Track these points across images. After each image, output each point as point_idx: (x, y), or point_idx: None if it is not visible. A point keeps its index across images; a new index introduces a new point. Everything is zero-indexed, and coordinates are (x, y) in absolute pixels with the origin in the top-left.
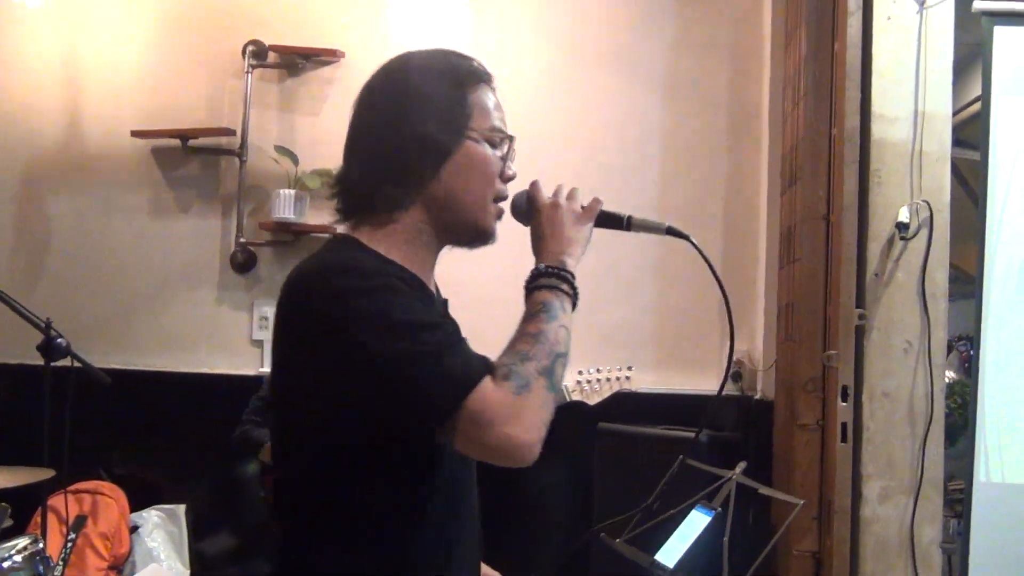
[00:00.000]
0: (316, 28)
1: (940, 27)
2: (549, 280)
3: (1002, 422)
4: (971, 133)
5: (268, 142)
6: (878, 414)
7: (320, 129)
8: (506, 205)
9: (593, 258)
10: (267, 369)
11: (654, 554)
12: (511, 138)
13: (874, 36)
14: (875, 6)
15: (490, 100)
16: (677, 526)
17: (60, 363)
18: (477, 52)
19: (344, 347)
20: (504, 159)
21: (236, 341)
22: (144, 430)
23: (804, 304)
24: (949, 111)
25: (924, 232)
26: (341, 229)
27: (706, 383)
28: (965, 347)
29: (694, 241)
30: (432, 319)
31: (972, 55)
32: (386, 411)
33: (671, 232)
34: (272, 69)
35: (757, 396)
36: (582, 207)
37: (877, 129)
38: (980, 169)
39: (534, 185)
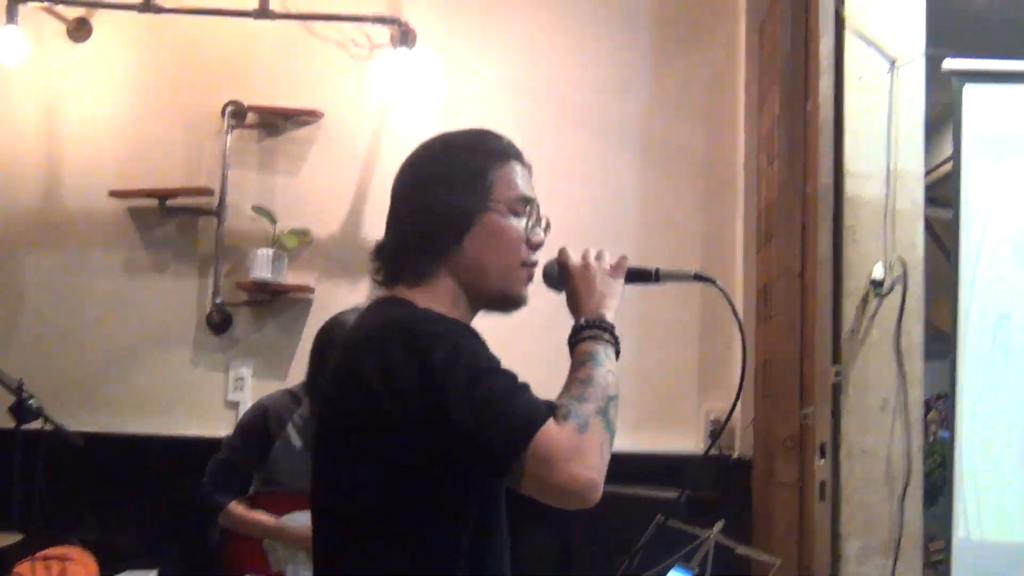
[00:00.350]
0: (296, 88)
1: (911, 86)
2: (591, 332)
3: (980, 479)
4: (944, 192)
5: (246, 202)
6: (856, 472)
7: (299, 189)
8: (538, 272)
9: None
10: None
11: None
12: (537, 206)
13: (845, 96)
14: (846, 66)
15: (516, 174)
16: None
17: (32, 425)
18: (452, 111)
19: (421, 392)
20: (529, 227)
21: (210, 403)
22: (117, 494)
23: (781, 361)
24: (921, 169)
25: (899, 289)
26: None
27: (684, 442)
28: (944, 406)
29: (720, 285)
30: (496, 363)
31: (945, 114)
32: (455, 454)
33: (698, 278)
34: (251, 129)
35: (736, 455)
36: (611, 265)
37: (850, 186)
38: (952, 227)
39: (563, 251)
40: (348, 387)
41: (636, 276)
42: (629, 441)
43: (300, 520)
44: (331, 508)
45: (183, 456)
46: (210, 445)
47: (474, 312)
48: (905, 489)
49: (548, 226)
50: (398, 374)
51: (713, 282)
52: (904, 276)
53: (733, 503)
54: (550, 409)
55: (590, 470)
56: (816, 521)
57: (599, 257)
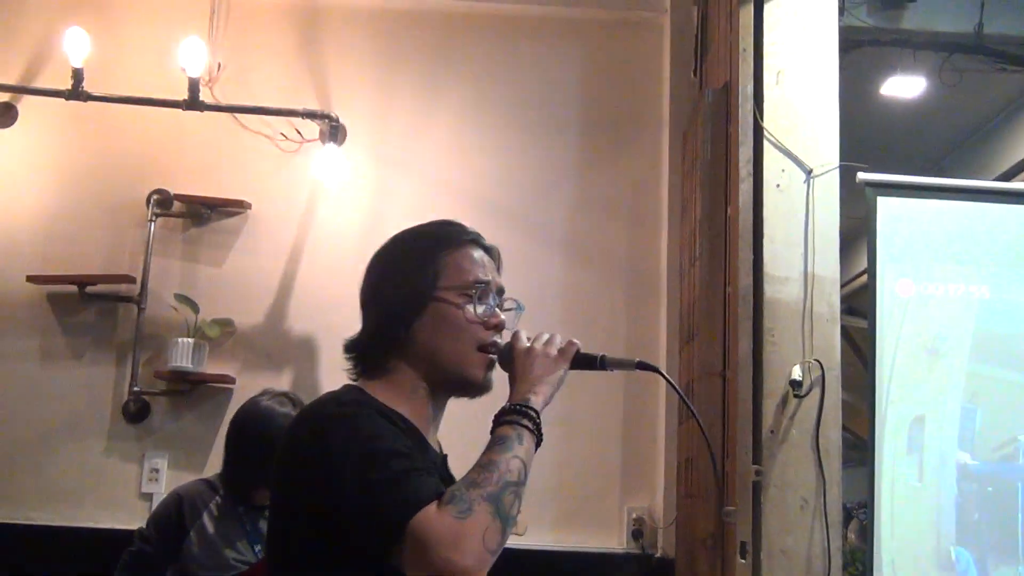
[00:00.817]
0: (223, 179)
1: (826, 195)
2: (511, 416)
3: None
4: (860, 301)
5: (168, 290)
6: (777, 572)
7: (223, 279)
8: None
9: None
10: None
11: None
12: (497, 289)
13: (764, 202)
14: (765, 174)
15: (468, 259)
16: None
17: None
18: (380, 207)
19: (322, 471)
20: (483, 308)
21: (124, 494)
22: None
23: (702, 460)
24: (837, 274)
25: (817, 391)
26: None
27: (607, 541)
28: (865, 516)
29: (663, 373)
30: (399, 448)
31: (859, 228)
32: (348, 534)
33: (641, 366)
34: (177, 218)
35: (658, 554)
36: (559, 351)
37: (769, 289)
38: (869, 333)
39: (515, 334)
40: (280, 465)
41: (581, 362)
42: (551, 538)
43: None
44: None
45: (93, 549)
46: (122, 537)
47: (436, 400)
48: None
49: (520, 307)
50: (303, 456)
51: (656, 370)
52: (822, 378)
53: None
54: (437, 495)
55: (464, 557)
56: None
57: (549, 342)
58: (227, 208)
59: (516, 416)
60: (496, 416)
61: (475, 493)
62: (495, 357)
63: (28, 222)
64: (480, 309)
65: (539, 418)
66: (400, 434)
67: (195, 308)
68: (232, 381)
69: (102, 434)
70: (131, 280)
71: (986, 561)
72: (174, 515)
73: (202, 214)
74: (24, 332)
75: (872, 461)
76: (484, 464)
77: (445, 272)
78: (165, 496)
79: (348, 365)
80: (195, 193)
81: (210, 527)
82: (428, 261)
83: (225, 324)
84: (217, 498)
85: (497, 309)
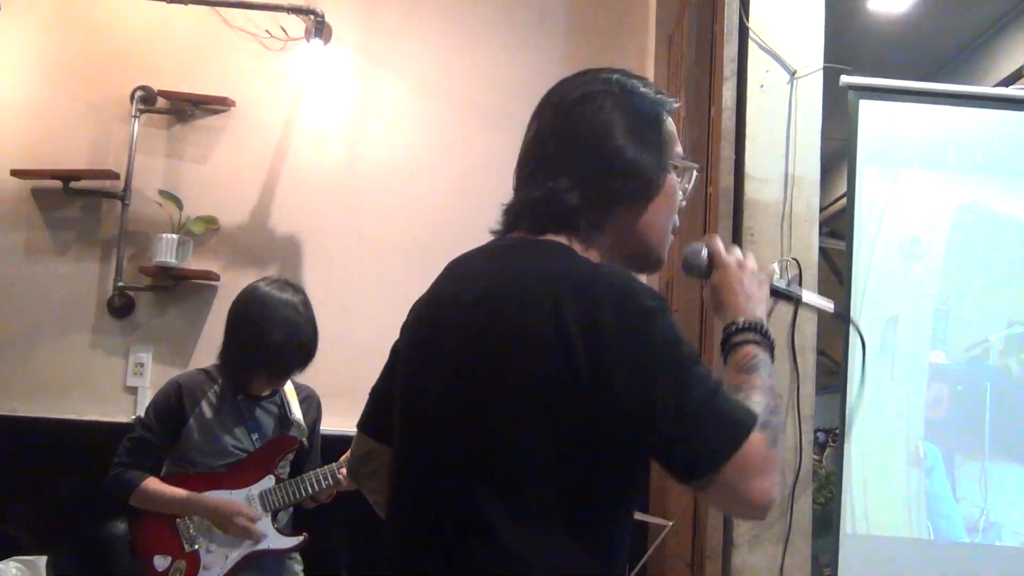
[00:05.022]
0: (207, 76)
1: (809, 96)
2: (754, 335)
3: (868, 477)
4: (840, 225)
5: (152, 187)
6: None
7: (207, 176)
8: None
9: None
10: (139, 414)
11: None
12: (696, 168)
13: (747, 102)
14: (748, 75)
15: (673, 127)
16: None
17: None
18: (364, 107)
19: (631, 367)
20: (685, 189)
21: (109, 387)
22: (6, 477)
23: None
24: (817, 175)
25: (794, 289)
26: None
27: None
28: (838, 443)
29: (856, 323)
30: (695, 349)
31: (840, 151)
32: (648, 442)
33: (837, 316)
34: (160, 115)
35: None
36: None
37: (750, 189)
38: (847, 231)
39: (714, 240)
40: (536, 336)
41: (778, 295)
42: None
43: (216, 497)
44: (479, 471)
45: (78, 440)
46: (107, 430)
47: None
48: (795, 481)
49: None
50: (606, 338)
51: (849, 321)
52: (800, 276)
53: None
54: (753, 417)
55: (775, 486)
56: (710, 508)
57: (748, 258)
58: (211, 105)
59: (759, 336)
60: (735, 330)
61: (776, 421)
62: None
63: (12, 116)
64: (686, 189)
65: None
66: None
67: (179, 204)
68: (216, 278)
69: (87, 328)
70: (115, 176)
71: (953, 457)
72: (174, 403)
73: (186, 111)
74: (8, 227)
75: (846, 356)
76: (763, 389)
77: (669, 142)
78: (164, 384)
79: (502, 220)
80: (179, 90)
81: (209, 415)
82: (661, 125)
83: (209, 221)
84: (215, 387)
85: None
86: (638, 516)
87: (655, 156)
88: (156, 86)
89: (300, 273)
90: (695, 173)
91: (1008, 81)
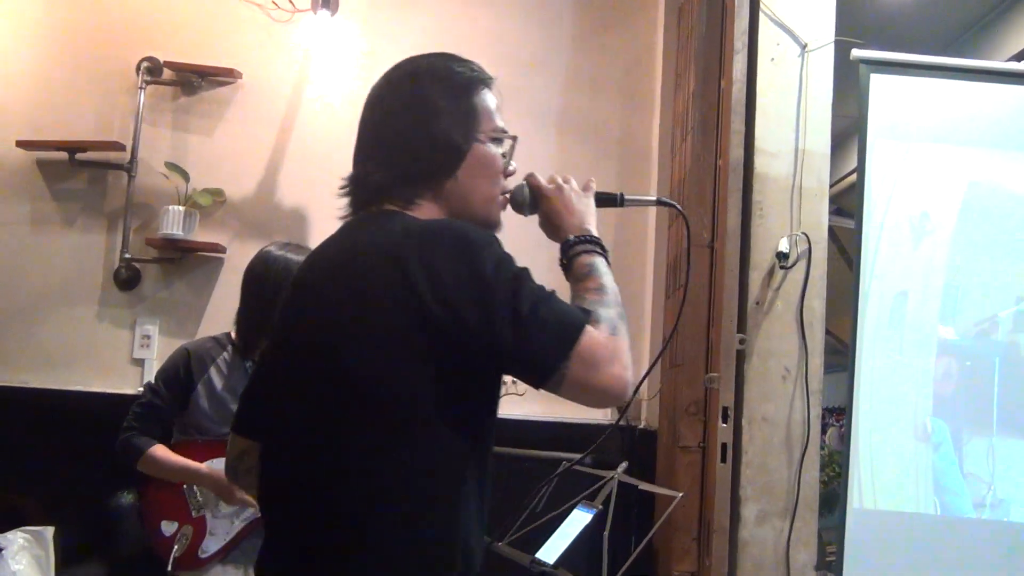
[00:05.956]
0: (214, 48)
1: (820, 70)
2: (585, 246)
3: (875, 452)
4: (848, 202)
5: (159, 159)
6: (756, 438)
7: (213, 148)
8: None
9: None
10: (149, 381)
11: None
12: (513, 137)
13: (758, 75)
14: (759, 48)
15: (492, 102)
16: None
17: None
18: (371, 79)
19: (469, 297)
20: (506, 156)
21: (115, 359)
22: (13, 448)
23: (688, 329)
24: (827, 149)
25: (803, 263)
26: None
27: (592, 413)
28: (842, 424)
29: (680, 208)
30: (526, 269)
31: (850, 128)
32: (498, 358)
33: (661, 203)
34: (167, 86)
35: (641, 426)
36: (583, 188)
37: (760, 163)
38: (856, 207)
39: (532, 176)
40: (385, 287)
41: (603, 200)
42: (538, 409)
43: (221, 467)
44: (339, 409)
45: (85, 412)
46: (114, 401)
47: None
48: (803, 456)
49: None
50: (446, 277)
51: (674, 205)
52: (808, 251)
53: (636, 471)
54: (585, 314)
55: (625, 370)
56: (717, 483)
57: (567, 181)
58: (217, 77)
59: (590, 246)
60: (566, 248)
61: (611, 313)
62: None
63: (17, 87)
64: (507, 155)
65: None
66: None
67: (185, 177)
68: (223, 250)
69: (94, 300)
70: (121, 147)
71: (961, 432)
72: (182, 369)
73: (192, 83)
74: (15, 198)
75: (855, 332)
76: (598, 288)
77: (481, 116)
78: (173, 351)
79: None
80: (185, 61)
81: (218, 382)
82: (468, 102)
83: (216, 193)
84: (225, 354)
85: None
86: (646, 487)
87: (457, 130)
88: (162, 57)
89: (307, 245)
90: (512, 142)
91: (1020, 56)
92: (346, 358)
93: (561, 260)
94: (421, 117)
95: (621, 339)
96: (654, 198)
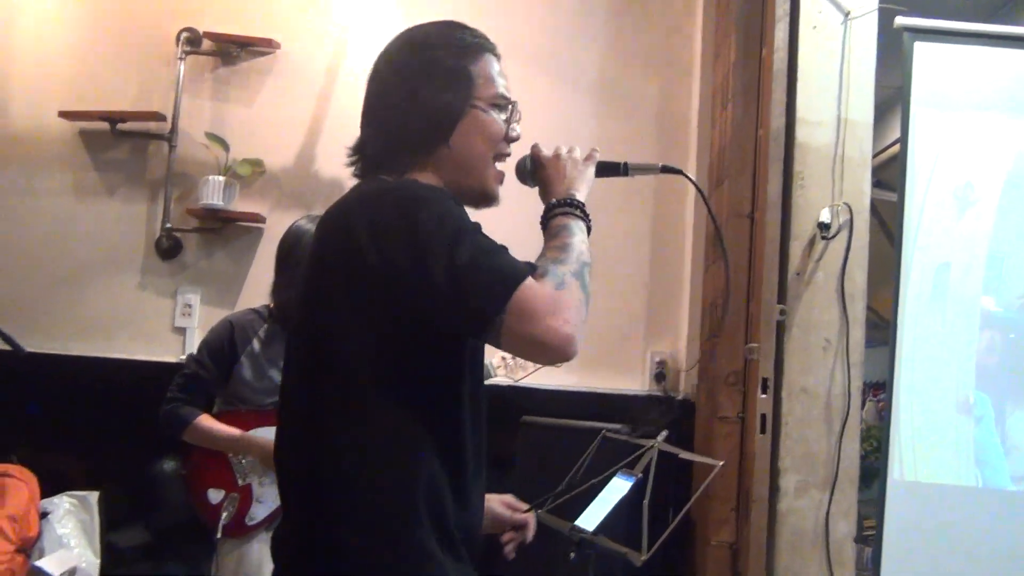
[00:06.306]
0: (253, 18)
1: (863, 38)
2: (562, 209)
3: (916, 424)
4: (890, 175)
5: (199, 129)
6: (796, 409)
7: (253, 118)
8: (511, 172)
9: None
10: (192, 352)
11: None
12: (514, 103)
13: (800, 43)
14: (801, 15)
15: (493, 68)
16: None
17: None
18: None
19: (406, 251)
20: (508, 122)
21: (158, 328)
22: (60, 415)
23: (732, 298)
24: (871, 119)
25: (844, 234)
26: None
27: (630, 383)
28: (880, 399)
29: (688, 175)
30: (479, 228)
31: (892, 99)
32: (437, 312)
33: (666, 169)
34: (206, 56)
35: (680, 396)
36: (584, 157)
37: (801, 132)
38: (899, 177)
39: (535, 146)
40: (336, 250)
41: (605, 168)
42: (576, 379)
43: (266, 435)
44: (314, 373)
45: (128, 379)
46: (156, 368)
47: None
48: (843, 428)
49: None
50: (386, 231)
51: (680, 171)
52: (850, 222)
53: (675, 442)
54: (530, 268)
55: (567, 324)
56: (756, 454)
57: (570, 151)
58: (256, 47)
59: (567, 208)
60: (545, 212)
61: (564, 268)
62: (504, 172)
63: (59, 59)
64: (508, 122)
65: (586, 209)
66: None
67: (225, 147)
68: (262, 220)
69: (135, 270)
70: (162, 118)
71: (1004, 405)
72: (226, 341)
73: (231, 53)
74: (57, 168)
75: (896, 302)
76: (559, 246)
77: (478, 82)
78: (216, 323)
79: (352, 168)
80: (224, 31)
81: (260, 353)
82: (465, 69)
83: (255, 164)
84: (266, 326)
85: (515, 123)
86: (687, 455)
87: (450, 96)
88: (201, 28)
89: None
90: (513, 108)
91: None
92: (312, 325)
93: (541, 222)
94: (413, 84)
95: (567, 293)
96: (659, 165)
